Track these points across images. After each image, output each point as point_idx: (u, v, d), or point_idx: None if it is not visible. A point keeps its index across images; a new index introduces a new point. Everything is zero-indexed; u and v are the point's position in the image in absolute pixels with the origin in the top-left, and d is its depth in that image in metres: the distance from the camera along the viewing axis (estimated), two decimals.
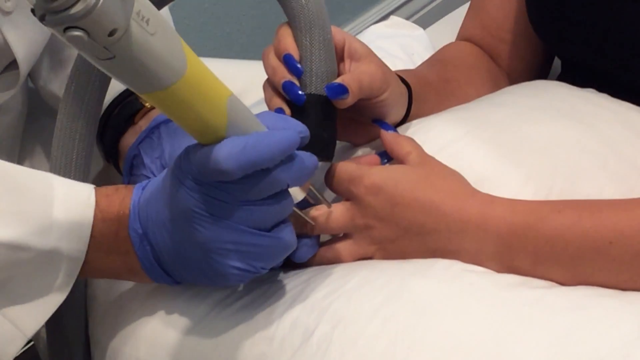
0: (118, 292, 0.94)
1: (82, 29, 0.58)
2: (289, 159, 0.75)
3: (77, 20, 0.57)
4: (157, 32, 0.63)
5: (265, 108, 0.90)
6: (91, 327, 0.96)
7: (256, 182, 0.73)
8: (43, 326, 1.02)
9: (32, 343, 1.76)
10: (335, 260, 0.88)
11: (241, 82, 1.35)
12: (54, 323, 0.94)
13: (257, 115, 0.77)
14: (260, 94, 0.95)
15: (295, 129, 0.75)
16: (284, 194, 0.77)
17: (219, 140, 0.72)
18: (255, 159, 0.72)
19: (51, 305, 0.81)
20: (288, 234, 0.79)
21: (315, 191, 0.86)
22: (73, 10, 0.57)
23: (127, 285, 0.93)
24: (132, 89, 0.67)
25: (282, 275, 0.88)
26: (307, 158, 0.77)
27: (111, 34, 0.59)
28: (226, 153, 0.71)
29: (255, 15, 2.20)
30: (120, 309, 0.92)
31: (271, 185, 0.75)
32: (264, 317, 0.83)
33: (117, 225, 0.81)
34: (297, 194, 0.82)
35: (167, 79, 0.65)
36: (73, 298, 0.94)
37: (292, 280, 0.86)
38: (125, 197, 0.81)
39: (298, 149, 0.76)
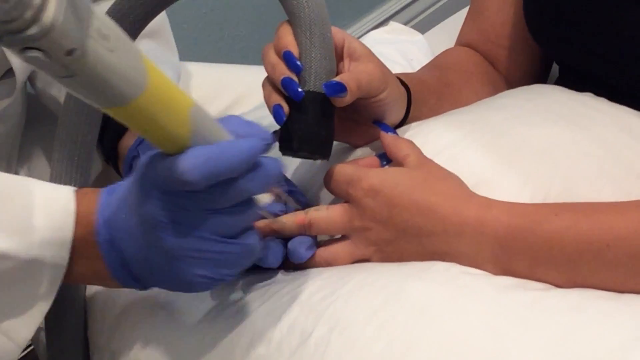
0: (117, 293, 0.94)
1: (40, 50, 0.57)
2: (254, 167, 0.74)
3: (35, 41, 0.57)
4: (116, 48, 0.62)
5: (265, 109, 0.91)
6: (90, 329, 0.97)
7: (221, 191, 0.73)
8: (42, 329, 1.02)
9: (31, 347, 1.76)
10: (333, 261, 0.88)
11: (241, 87, 1.35)
12: (54, 325, 0.94)
13: (222, 120, 0.76)
14: (259, 98, 0.95)
15: (259, 136, 0.74)
16: (250, 201, 0.77)
17: (183, 149, 0.71)
18: (219, 170, 0.71)
19: (38, 313, 0.81)
20: (253, 240, 0.78)
21: (285, 197, 0.87)
22: (30, 32, 0.56)
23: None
24: (93, 105, 0.66)
25: (280, 277, 0.88)
26: (272, 165, 0.76)
27: (70, 53, 0.59)
28: (190, 164, 0.70)
29: (253, 20, 2.20)
30: (119, 310, 0.93)
31: (236, 194, 0.74)
32: (262, 319, 0.84)
33: (85, 230, 0.80)
34: (264, 198, 0.81)
35: (128, 94, 0.65)
36: (73, 300, 0.94)
37: (290, 283, 0.86)
38: (93, 202, 0.80)
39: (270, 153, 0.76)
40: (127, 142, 1.07)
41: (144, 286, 0.82)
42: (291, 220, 0.89)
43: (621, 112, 0.96)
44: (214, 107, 1.35)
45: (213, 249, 0.75)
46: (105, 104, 0.65)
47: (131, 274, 0.80)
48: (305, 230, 0.88)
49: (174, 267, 0.75)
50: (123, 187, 0.79)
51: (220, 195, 0.73)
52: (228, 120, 0.76)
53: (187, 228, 0.74)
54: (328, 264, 0.88)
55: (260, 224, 0.89)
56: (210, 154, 0.71)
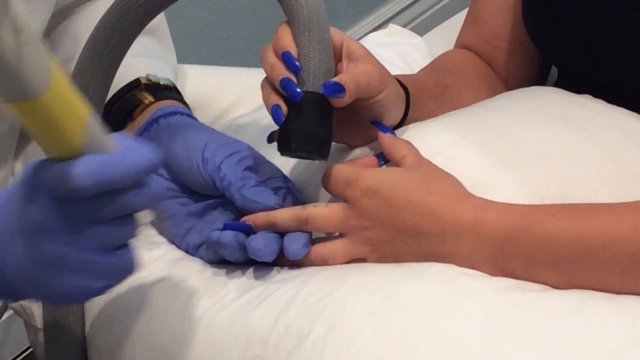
0: (114, 293, 0.94)
1: None
2: (142, 183, 0.74)
3: None
4: (27, 44, 0.63)
5: (264, 110, 0.91)
6: (87, 328, 0.96)
7: (107, 201, 0.72)
8: (40, 330, 1.02)
9: (31, 349, 1.76)
10: (329, 258, 0.88)
11: (239, 90, 1.35)
12: (52, 325, 0.94)
13: (114, 137, 0.75)
14: (258, 101, 0.95)
15: (149, 154, 0.74)
16: (132, 216, 0.76)
17: (75, 157, 0.71)
18: (111, 178, 0.71)
19: None
20: (131, 255, 0.77)
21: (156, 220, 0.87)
22: None
23: (123, 286, 0.93)
24: None
25: (276, 277, 0.88)
26: (157, 185, 0.76)
27: None
28: (82, 170, 0.70)
29: (251, 23, 2.21)
30: (116, 309, 0.93)
31: (121, 207, 0.73)
32: (259, 320, 0.84)
33: None
34: (144, 216, 0.81)
35: (32, 90, 0.65)
36: None
37: (287, 283, 0.86)
38: None
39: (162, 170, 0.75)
40: None
41: (17, 297, 0.81)
42: (289, 214, 0.89)
43: (619, 114, 0.96)
44: (212, 110, 1.36)
45: (92, 259, 0.74)
46: (7, 97, 0.65)
47: (3, 283, 0.77)
48: (302, 225, 0.88)
49: (50, 276, 0.74)
50: (4, 193, 0.77)
51: (105, 206, 0.72)
52: (119, 138, 0.75)
53: (68, 236, 0.73)
54: (324, 261, 0.89)
55: (256, 216, 0.90)
56: (103, 161, 0.70)
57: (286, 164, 0.99)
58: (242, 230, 0.90)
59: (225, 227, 0.91)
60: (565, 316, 0.78)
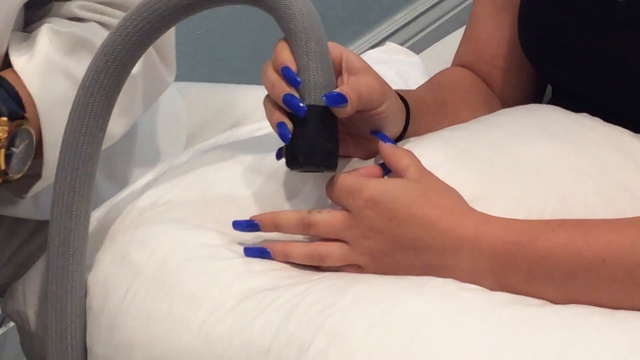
0: (112, 301, 0.93)
1: None
2: None
3: None
4: None
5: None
6: (87, 338, 0.96)
7: None
8: (35, 335, 1.02)
9: None
10: (325, 258, 0.89)
11: (244, 107, 1.36)
12: (53, 334, 0.94)
13: None
14: (261, 118, 0.95)
15: None
16: None
17: None
18: None
19: None
20: None
21: None
22: None
23: (121, 294, 0.93)
24: None
25: (275, 285, 0.88)
26: None
27: None
28: None
29: (247, 41, 2.21)
30: (114, 317, 0.92)
31: None
32: (259, 331, 0.84)
33: None
34: None
35: None
36: (74, 306, 0.94)
37: (285, 291, 0.86)
38: None
39: None
40: None
41: None
42: (294, 218, 0.90)
43: (616, 132, 0.97)
44: (218, 128, 1.36)
45: None
46: None
47: None
48: (305, 229, 0.89)
49: None
50: None
51: None
52: None
53: None
54: (320, 259, 0.89)
55: (263, 216, 0.91)
56: None
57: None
58: (249, 228, 0.92)
59: (234, 225, 0.92)
60: (564, 331, 0.79)
